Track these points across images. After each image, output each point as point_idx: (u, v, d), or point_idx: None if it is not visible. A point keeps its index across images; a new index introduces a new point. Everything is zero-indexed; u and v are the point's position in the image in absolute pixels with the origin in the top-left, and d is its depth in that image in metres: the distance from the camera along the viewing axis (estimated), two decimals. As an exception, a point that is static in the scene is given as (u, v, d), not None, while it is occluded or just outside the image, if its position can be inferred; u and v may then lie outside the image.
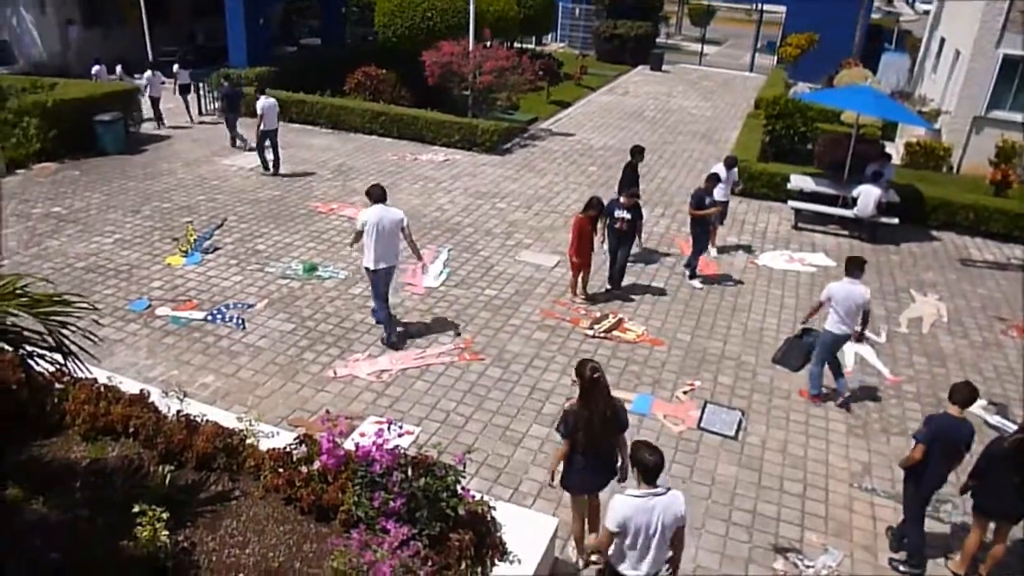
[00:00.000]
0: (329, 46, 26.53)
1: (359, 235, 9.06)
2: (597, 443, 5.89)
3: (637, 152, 12.35)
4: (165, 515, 4.93)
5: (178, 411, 6.19)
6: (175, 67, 19.83)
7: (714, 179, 11.40)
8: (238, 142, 17.12)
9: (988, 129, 17.19)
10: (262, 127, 15.11)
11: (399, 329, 9.78)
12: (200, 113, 19.81)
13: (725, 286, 11.58)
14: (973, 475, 6.31)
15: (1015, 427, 7.17)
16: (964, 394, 6.31)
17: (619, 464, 6.04)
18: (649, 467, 4.98)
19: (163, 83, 19.38)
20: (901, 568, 6.56)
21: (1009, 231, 14.07)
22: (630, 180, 12.12)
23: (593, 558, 6.22)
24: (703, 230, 11.42)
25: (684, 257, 12.05)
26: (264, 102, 15.11)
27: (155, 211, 13.30)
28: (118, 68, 20.05)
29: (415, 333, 9.79)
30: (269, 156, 15.56)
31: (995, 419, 8.61)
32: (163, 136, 17.79)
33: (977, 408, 8.82)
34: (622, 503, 4.99)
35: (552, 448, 7.20)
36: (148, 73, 18.79)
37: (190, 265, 11.33)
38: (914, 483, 6.45)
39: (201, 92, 19.88)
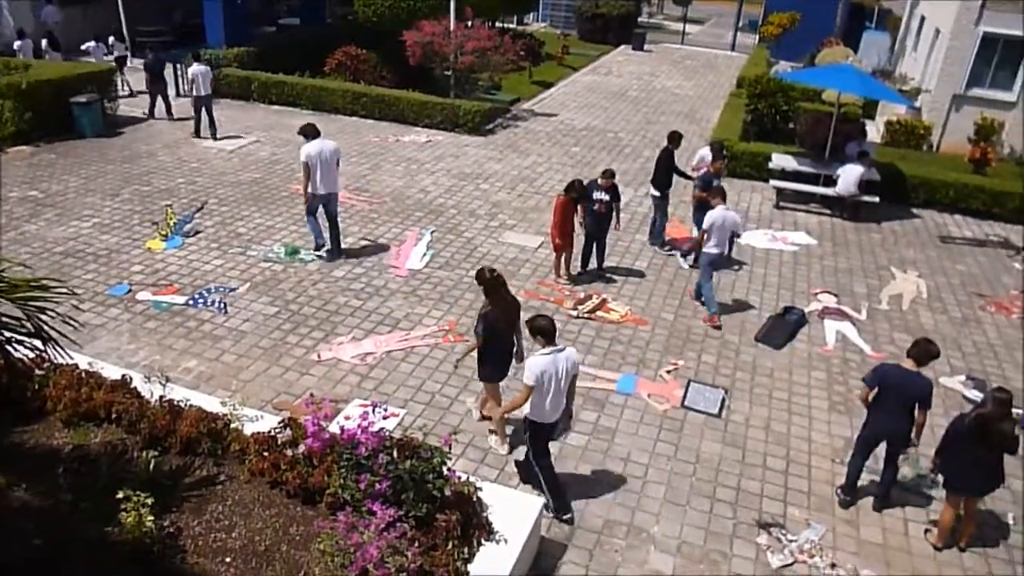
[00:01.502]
0: (309, 26, 26.14)
1: (306, 167, 10.28)
2: (512, 330, 6.98)
3: (675, 138, 11.69)
4: (150, 500, 4.91)
5: (161, 396, 6.16)
6: (111, 39, 19.86)
7: (723, 158, 11.20)
8: (156, 112, 17.25)
9: (967, 107, 17.31)
10: (195, 93, 15.48)
11: (339, 254, 11.05)
12: (177, 95, 19.52)
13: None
14: (939, 452, 6.47)
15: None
16: (919, 349, 6.59)
17: (516, 348, 7.15)
18: (547, 330, 6.09)
19: (105, 55, 19.50)
20: (838, 491, 7.12)
21: (988, 208, 14.21)
22: (667, 167, 11.64)
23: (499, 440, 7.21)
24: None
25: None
26: (196, 68, 15.52)
27: (134, 194, 13.13)
28: (43, 42, 19.54)
29: (399, 315, 9.78)
30: (205, 120, 15.96)
31: (972, 393, 8.71)
32: (141, 118, 17.52)
33: (955, 383, 8.96)
34: (537, 361, 6.05)
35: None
36: (91, 44, 19.16)
37: (171, 249, 11.21)
38: (864, 424, 6.89)
39: (178, 73, 19.58)
